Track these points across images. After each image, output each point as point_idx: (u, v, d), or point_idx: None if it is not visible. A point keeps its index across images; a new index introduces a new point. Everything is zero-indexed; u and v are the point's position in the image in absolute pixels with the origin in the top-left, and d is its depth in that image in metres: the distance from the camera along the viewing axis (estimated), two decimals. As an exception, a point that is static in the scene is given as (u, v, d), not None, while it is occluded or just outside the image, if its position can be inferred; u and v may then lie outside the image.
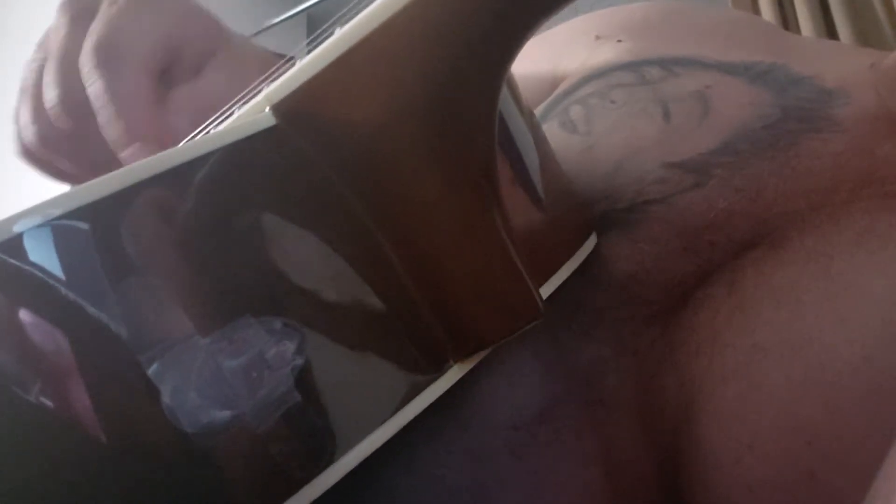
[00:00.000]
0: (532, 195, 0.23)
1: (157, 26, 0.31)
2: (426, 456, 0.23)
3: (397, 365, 0.18)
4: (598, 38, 0.39)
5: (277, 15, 1.69)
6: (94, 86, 0.29)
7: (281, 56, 0.36)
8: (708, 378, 0.23)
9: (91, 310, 0.14)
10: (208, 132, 0.23)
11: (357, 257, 0.18)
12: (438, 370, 0.18)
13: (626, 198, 0.27)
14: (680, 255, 0.25)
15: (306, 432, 0.15)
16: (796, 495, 0.20)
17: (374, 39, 0.17)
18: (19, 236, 0.14)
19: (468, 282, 0.19)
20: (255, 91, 0.23)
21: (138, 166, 0.15)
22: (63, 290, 0.14)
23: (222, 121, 0.23)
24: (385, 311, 0.18)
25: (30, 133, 0.32)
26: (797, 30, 1.40)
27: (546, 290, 0.21)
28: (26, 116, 0.32)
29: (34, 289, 0.14)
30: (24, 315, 0.13)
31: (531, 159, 0.23)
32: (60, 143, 0.32)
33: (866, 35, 1.33)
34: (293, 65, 0.19)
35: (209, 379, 0.14)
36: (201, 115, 0.28)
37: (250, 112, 0.19)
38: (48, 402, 0.13)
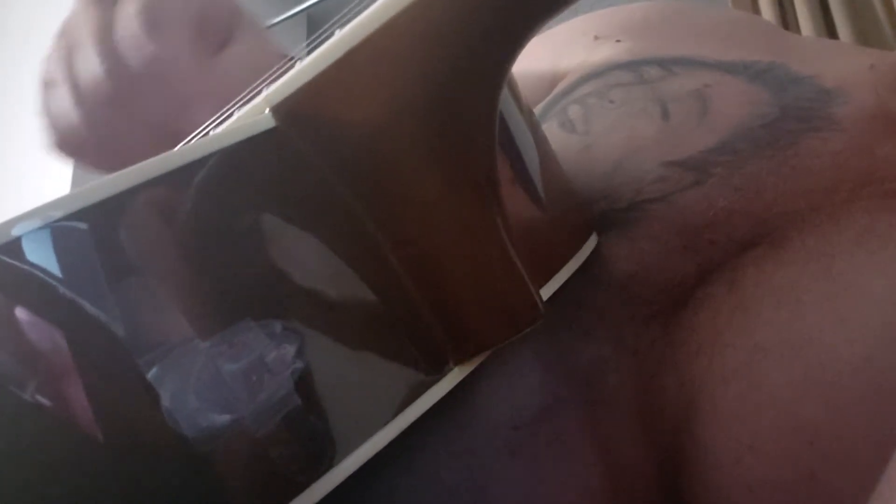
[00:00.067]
0: (532, 196, 0.23)
1: None
2: (426, 456, 0.23)
3: (397, 368, 0.18)
4: (597, 38, 0.39)
5: (277, 15, 1.69)
6: (145, 50, 0.30)
7: (283, 55, 0.36)
8: (708, 378, 0.23)
9: (91, 313, 0.14)
10: (207, 133, 0.23)
11: (357, 259, 0.18)
12: (439, 373, 0.18)
13: (625, 197, 0.27)
14: (680, 254, 0.25)
15: (306, 436, 0.15)
16: (797, 495, 0.20)
17: (376, 40, 0.17)
18: (18, 239, 0.14)
19: (468, 283, 0.19)
20: (254, 92, 0.23)
21: (138, 169, 0.15)
22: (63, 294, 0.14)
23: (221, 122, 0.23)
24: (385, 314, 0.18)
25: (72, 119, 0.32)
26: (797, 30, 1.40)
27: (547, 292, 0.21)
28: (65, 103, 0.32)
29: (34, 292, 0.14)
30: (24, 318, 0.13)
31: (531, 159, 0.23)
32: (108, 121, 0.32)
33: (866, 35, 1.33)
34: (293, 66, 0.19)
35: (209, 383, 0.14)
36: (253, 74, 0.29)
37: (250, 114, 0.19)
38: (47, 405, 0.13)
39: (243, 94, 0.24)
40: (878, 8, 1.34)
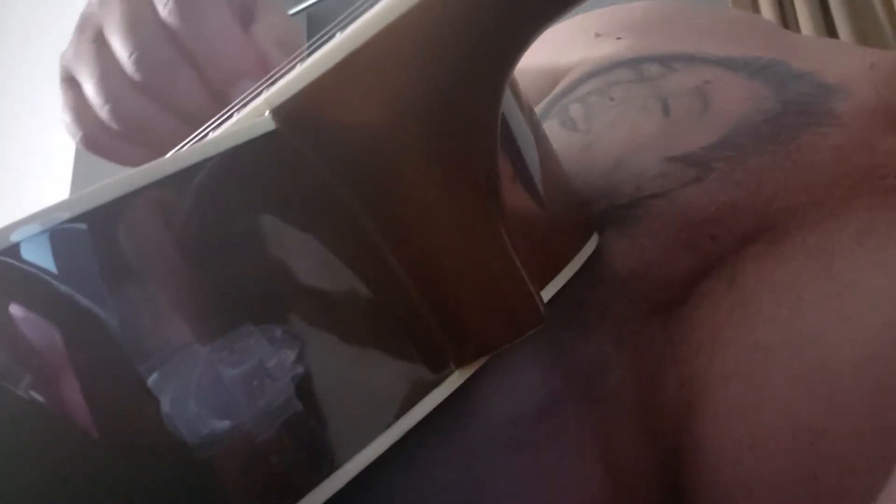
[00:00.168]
0: (534, 197, 0.23)
1: None
2: (425, 455, 0.23)
3: (398, 371, 0.18)
4: (597, 35, 0.39)
5: (277, 14, 1.68)
6: (184, 30, 0.29)
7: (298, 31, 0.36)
8: (708, 377, 0.23)
9: (92, 318, 0.14)
10: (206, 135, 0.23)
11: (357, 261, 0.18)
12: (439, 376, 0.18)
13: (626, 194, 0.27)
14: (681, 250, 0.25)
15: (307, 441, 0.15)
16: (797, 496, 0.20)
17: (378, 42, 0.17)
18: (18, 244, 0.14)
19: (469, 285, 0.19)
20: (254, 93, 0.23)
21: (138, 172, 0.15)
22: (63, 299, 0.14)
23: (221, 123, 0.23)
24: (386, 317, 0.18)
25: (101, 112, 0.31)
26: (797, 30, 1.40)
27: (548, 293, 0.21)
28: (93, 97, 0.31)
29: (35, 297, 0.14)
30: (25, 322, 0.13)
31: (532, 159, 0.23)
32: (139, 111, 0.31)
33: (866, 35, 1.33)
34: (293, 67, 0.19)
35: (209, 388, 0.14)
36: (282, 49, 0.30)
37: (249, 116, 0.19)
38: (45, 411, 0.13)
39: (242, 95, 0.24)
40: (878, 8, 1.34)
